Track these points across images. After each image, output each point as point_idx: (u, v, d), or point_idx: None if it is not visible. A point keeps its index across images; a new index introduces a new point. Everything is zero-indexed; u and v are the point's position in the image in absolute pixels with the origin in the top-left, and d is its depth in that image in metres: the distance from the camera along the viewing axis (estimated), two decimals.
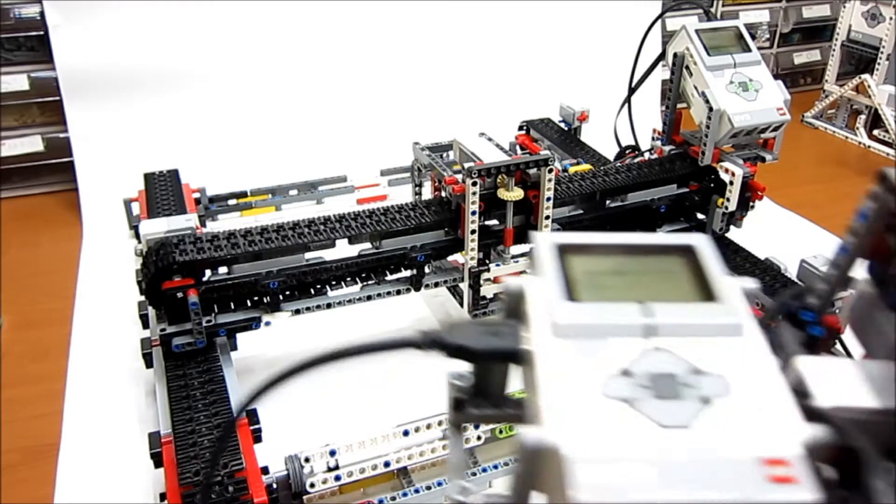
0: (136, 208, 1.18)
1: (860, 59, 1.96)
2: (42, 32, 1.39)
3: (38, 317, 1.11)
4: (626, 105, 1.24)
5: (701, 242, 0.32)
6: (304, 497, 0.73)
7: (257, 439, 0.75)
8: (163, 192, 1.13)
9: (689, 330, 0.28)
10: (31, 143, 1.46)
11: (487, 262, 0.96)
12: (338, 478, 0.73)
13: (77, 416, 0.91)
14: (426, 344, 0.32)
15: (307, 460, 0.73)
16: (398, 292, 0.95)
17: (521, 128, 1.42)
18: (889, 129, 1.69)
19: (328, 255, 0.91)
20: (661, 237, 0.33)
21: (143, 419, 0.89)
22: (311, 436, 0.76)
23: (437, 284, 0.98)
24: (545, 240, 0.32)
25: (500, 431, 0.81)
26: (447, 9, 1.63)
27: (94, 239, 1.33)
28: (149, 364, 0.87)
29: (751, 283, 0.30)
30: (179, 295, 0.82)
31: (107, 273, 1.20)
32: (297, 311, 0.90)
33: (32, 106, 1.46)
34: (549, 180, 0.91)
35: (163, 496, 0.73)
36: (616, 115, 1.27)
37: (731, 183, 1.03)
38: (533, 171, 0.91)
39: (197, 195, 1.25)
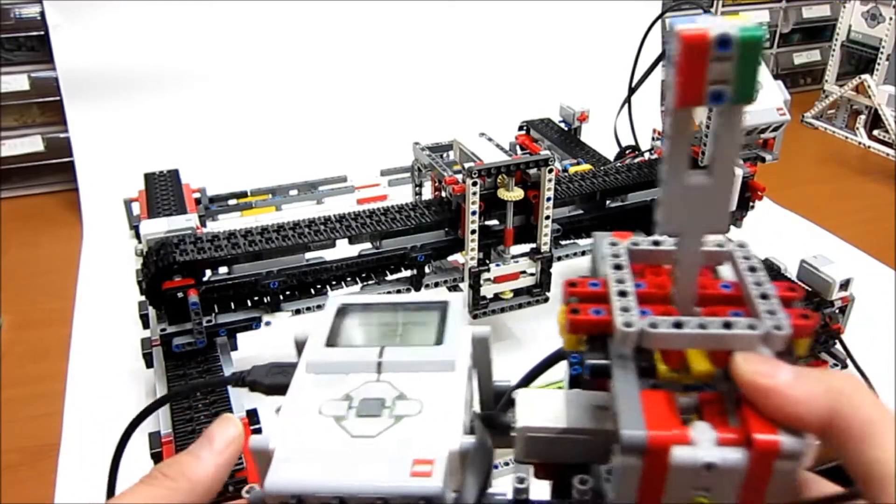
0: (136, 208, 1.18)
1: (860, 59, 1.96)
2: (42, 32, 1.39)
3: (38, 317, 1.11)
4: (627, 105, 1.24)
5: (455, 300, 0.40)
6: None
7: None
8: (163, 192, 1.13)
9: (411, 367, 0.36)
10: (31, 143, 1.46)
11: (487, 262, 0.96)
12: None
13: (77, 416, 0.91)
14: (235, 382, 0.42)
15: None
16: (398, 292, 0.95)
17: (521, 128, 1.42)
18: (889, 130, 1.69)
19: (328, 255, 0.91)
20: (429, 295, 0.39)
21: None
22: None
23: (437, 284, 0.98)
24: (333, 300, 0.41)
25: None
26: (447, 9, 1.63)
27: (94, 239, 1.33)
28: (149, 364, 0.86)
29: (484, 330, 0.38)
30: (180, 295, 0.82)
31: (107, 273, 1.20)
32: (298, 311, 0.90)
33: (32, 106, 1.46)
34: (550, 180, 0.91)
35: None
36: (616, 115, 1.27)
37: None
38: (533, 171, 0.91)
39: (197, 195, 1.25)
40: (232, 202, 1.33)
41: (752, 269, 0.33)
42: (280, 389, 0.37)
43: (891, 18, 1.70)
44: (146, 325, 0.93)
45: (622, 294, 0.32)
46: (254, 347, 0.97)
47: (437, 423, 0.33)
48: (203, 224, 1.25)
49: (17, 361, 1.02)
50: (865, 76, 1.73)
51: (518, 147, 1.41)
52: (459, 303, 0.40)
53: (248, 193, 1.35)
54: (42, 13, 1.38)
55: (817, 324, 0.31)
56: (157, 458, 0.73)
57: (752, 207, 1.09)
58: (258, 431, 0.76)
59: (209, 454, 0.32)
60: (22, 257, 1.28)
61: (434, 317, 0.39)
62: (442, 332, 0.38)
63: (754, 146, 1.07)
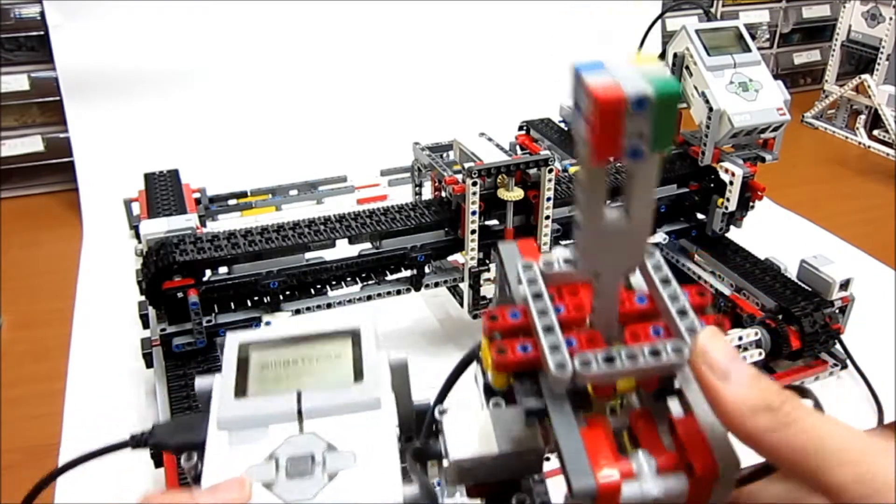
0: (136, 208, 1.18)
1: (860, 59, 1.96)
2: (42, 32, 1.39)
3: (38, 317, 1.11)
4: None
5: (365, 324, 0.37)
6: None
7: None
8: (163, 192, 1.12)
9: (335, 410, 0.34)
10: (31, 143, 1.46)
11: (487, 262, 0.96)
12: None
13: (77, 416, 0.91)
14: (135, 444, 0.39)
15: None
16: (398, 292, 0.95)
17: (521, 128, 1.42)
18: (889, 130, 1.69)
19: (328, 255, 0.91)
20: (331, 323, 0.38)
21: (143, 419, 0.89)
22: None
23: (437, 284, 0.98)
24: (232, 340, 0.37)
25: None
26: (447, 9, 1.63)
27: (94, 239, 1.33)
28: (149, 364, 0.87)
29: (400, 356, 0.36)
30: (180, 295, 0.82)
31: (107, 273, 1.20)
32: (298, 311, 0.90)
33: (32, 106, 1.46)
34: (550, 180, 0.91)
35: None
36: None
37: (731, 183, 1.03)
38: (533, 171, 0.91)
39: (197, 195, 1.25)
40: (232, 202, 1.33)
41: (666, 282, 0.33)
42: (190, 447, 0.35)
43: (891, 18, 1.70)
44: (146, 325, 0.93)
45: (548, 329, 0.31)
46: None
47: (374, 476, 0.31)
48: (203, 224, 1.25)
49: (17, 361, 1.02)
50: (865, 76, 1.73)
51: (518, 147, 1.41)
52: (370, 328, 0.38)
53: (248, 193, 1.35)
54: (42, 13, 1.38)
55: (729, 328, 0.32)
56: (156, 458, 0.73)
57: (752, 207, 1.09)
58: None
59: (206, 500, 0.31)
60: (22, 257, 1.28)
61: (346, 347, 0.37)
62: (359, 365, 0.35)
63: (754, 146, 1.07)
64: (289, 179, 1.38)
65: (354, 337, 0.37)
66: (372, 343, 0.37)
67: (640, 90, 0.24)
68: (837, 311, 0.96)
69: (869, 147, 1.76)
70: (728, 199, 1.05)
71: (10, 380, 0.98)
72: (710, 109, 0.99)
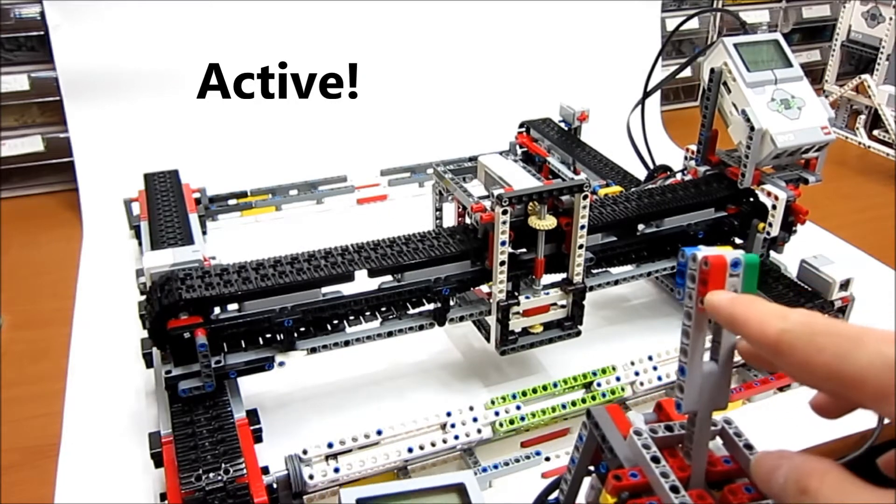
0: (136, 208, 1.18)
1: (860, 59, 1.96)
2: (42, 32, 1.39)
3: (38, 317, 1.11)
4: (640, 110, 1.21)
5: (469, 479, 0.42)
6: (304, 497, 0.73)
7: (257, 439, 0.75)
8: (163, 192, 1.13)
9: None
10: (31, 143, 1.46)
11: (516, 293, 0.88)
12: (338, 477, 0.73)
13: (77, 416, 0.91)
14: None
15: (307, 460, 0.73)
16: (421, 327, 0.88)
17: (521, 127, 1.42)
18: (889, 130, 1.69)
19: (346, 288, 0.83)
20: (434, 479, 0.44)
21: (144, 419, 0.89)
22: (311, 436, 0.76)
23: (462, 318, 0.90)
24: (348, 496, 0.43)
25: (500, 425, 0.80)
26: (447, 9, 1.63)
27: (94, 239, 1.33)
28: (149, 364, 0.86)
29: None
30: (186, 335, 0.75)
31: (107, 273, 1.20)
32: (314, 350, 0.83)
33: (32, 106, 1.46)
34: (584, 207, 0.83)
35: (163, 496, 0.73)
36: (627, 115, 1.26)
37: (775, 207, 0.98)
38: (566, 197, 0.84)
39: (197, 195, 1.26)
40: (232, 202, 1.33)
41: (749, 447, 0.42)
42: None
43: (891, 18, 1.70)
44: (146, 326, 0.93)
45: (674, 489, 0.39)
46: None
47: None
48: (203, 224, 1.25)
49: (17, 361, 1.02)
50: (865, 76, 1.73)
51: (518, 146, 1.41)
52: (474, 482, 0.43)
53: (248, 193, 1.35)
54: (42, 13, 1.38)
55: None
56: (156, 458, 0.73)
57: (795, 231, 1.03)
58: (258, 431, 0.76)
59: None
60: (22, 257, 1.28)
61: (454, 499, 0.42)
62: None
63: (795, 166, 1.01)
64: (289, 179, 1.38)
65: (461, 491, 0.42)
66: (479, 496, 0.42)
67: (736, 257, 0.38)
68: (837, 311, 0.96)
69: (869, 147, 1.76)
70: (770, 224, 0.98)
71: (10, 380, 0.98)
72: (752, 129, 0.92)
